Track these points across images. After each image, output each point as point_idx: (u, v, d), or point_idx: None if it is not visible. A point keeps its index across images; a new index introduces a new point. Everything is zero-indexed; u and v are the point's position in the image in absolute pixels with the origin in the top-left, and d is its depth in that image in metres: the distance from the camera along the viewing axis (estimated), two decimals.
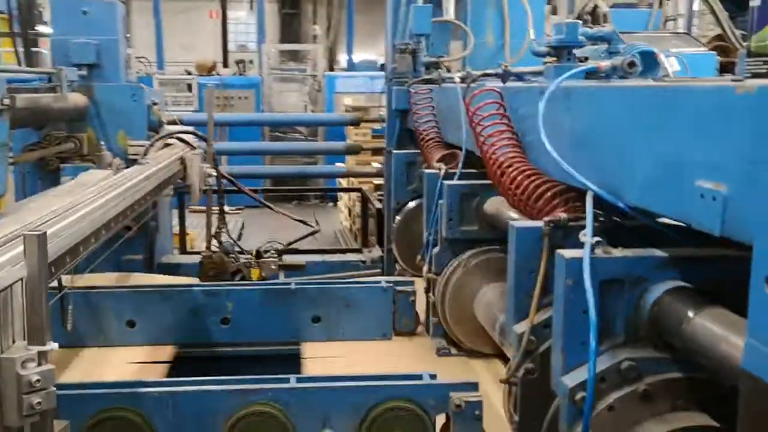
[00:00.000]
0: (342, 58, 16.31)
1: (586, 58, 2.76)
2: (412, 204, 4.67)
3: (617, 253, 1.91)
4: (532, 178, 2.49)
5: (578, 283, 1.89)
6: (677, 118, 1.65)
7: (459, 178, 3.42)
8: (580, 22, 2.67)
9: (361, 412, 2.50)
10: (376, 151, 6.83)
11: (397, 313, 3.67)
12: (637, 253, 1.91)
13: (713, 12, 4.95)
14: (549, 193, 2.39)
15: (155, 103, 4.69)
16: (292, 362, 3.40)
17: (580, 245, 1.94)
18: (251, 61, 12.25)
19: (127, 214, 2.92)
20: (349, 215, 8.58)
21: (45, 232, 1.59)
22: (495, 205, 3.28)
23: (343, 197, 9.30)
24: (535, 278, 2.28)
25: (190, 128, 4.57)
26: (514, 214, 3.10)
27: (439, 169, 3.60)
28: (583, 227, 2.23)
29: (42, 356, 1.61)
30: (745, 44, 4.68)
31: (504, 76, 3.01)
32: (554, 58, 2.68)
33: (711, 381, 1.89)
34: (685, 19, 11.47)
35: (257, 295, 3.55)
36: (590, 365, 1.78)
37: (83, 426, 2.33)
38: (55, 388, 1.62)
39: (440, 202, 3.41)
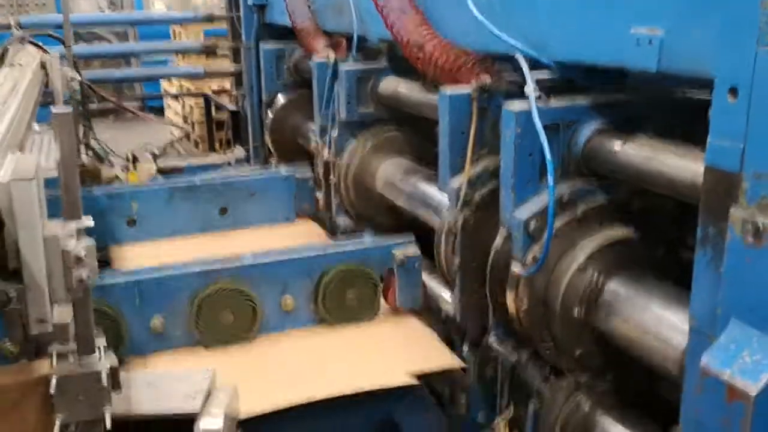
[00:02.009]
0: None
1: None
2: (281, 99, 4.77)
3: (554, 102, 2.26)
4: (451, 51, 2.75)
5: (525, 130, 2.23)
6: None
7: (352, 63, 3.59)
8: None
9: (315, 277, 2.72)
10: (210, 53, 6.66)
11: (297, 199, 3.84)
12: (568, 102, 2.27)
13: None
14: (470, 63, 2.68)
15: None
16: None
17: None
18: None
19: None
20: (185, 122, 8.36)
21: (71, 111, 1.60)
22: (389, 85, 3.52)
23: (172, 106, 8.99)
24: (466, 138, 2.59)
25: (46, 30, 4.24)
26: (407, 91, 3.38)
27: (327, 57, 3.74)
28: (504, 91, 2.58)
29: (80, 232, 1.65)
30: None
31: None
32: None
33: (627, 202, 2.35)
34: None
35: (162, 193, 3.55)
36: (550, 194, 2.13)
37: None
38: (96, 262, 1.67)
39: (337, 87, 3.58)
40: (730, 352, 1.56)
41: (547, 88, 2.29)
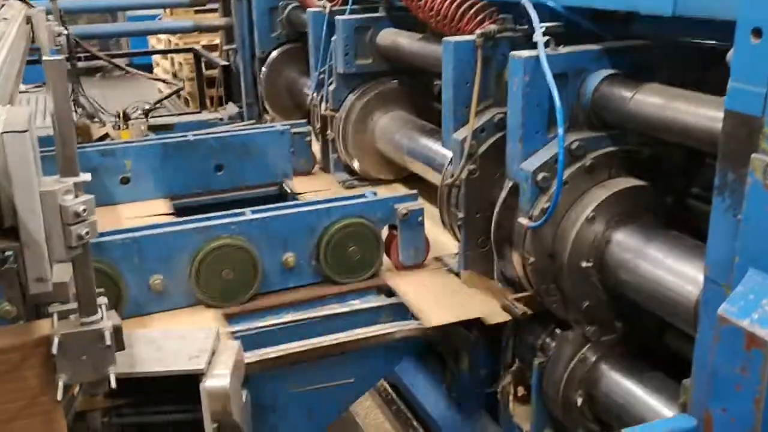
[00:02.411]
0: None
1: None
2: (275, 53, 4.65)
3: (563, 49, 2.18)
4: None
5: (533, 79, 2.16)
6: None
7: (349, 14, 3.49)
8: None
9: (317, 233, 2.67)
10: (199, 6, 6.49)
11: (294, 155, 3.77)
12: (578, 48, 2.20)
13: None
14: (472, 11, 2.59)
15: None
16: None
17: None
18: None
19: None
20: (174, 79, 8.19)
21: (64, 58, 1.52)
22: (388, 36, 3.43)
23: (161, 64, 8.81)
24: (470, 89, 2.51)
25: None
26: (407, 42, 3.29)
27: (323, 8, 3.63)
28: (509, 38, 2.50)
29: (78, 187, 1.59)
30: None
31: None
32: None
33: (636, 151, 2.30)
34: None
35: (156, 150, 3.46)
36: (560, 144, 2.07)
37: None
38: (96, 219, 1.61)
39: (333, 38, 3.48)
40: (750, 302, 1.53)
41: (554, 37, 2.22)
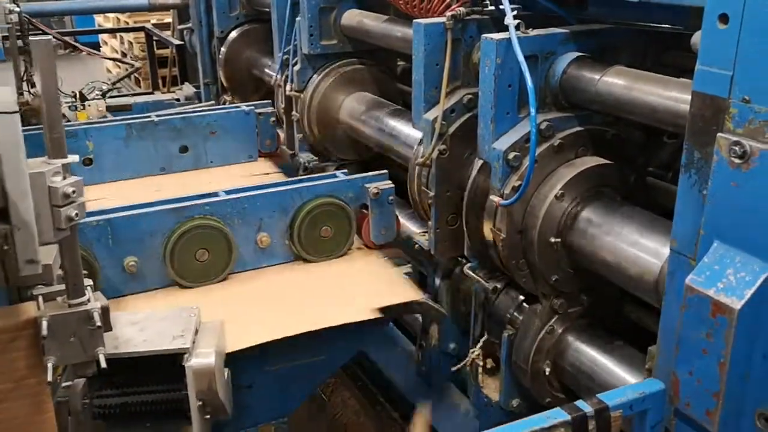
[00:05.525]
0: None
1: None
2: (234, 33, 4.61)
3: (532, 32, 2.25)
4: None
5: (505, 61, 2.22)
6: None
7: None
8: None
9: (290, 213, 2.70)
10: None
11: (259, 135, 3.77)
12: (547, 31, 2.27)
13: None
14: None
15: None
16: None
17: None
18: None
19: None
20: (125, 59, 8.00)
21: (50, 38, 1.51)
22: (353, 17, 3.44)
23: (109, 43, 8.59)
24: (441, 70, 2.57)
25: None
26: (373, 23, 3.32)
27: None
28: (476, 20, 2.56)
29: (65, 169, 1.59)
30: None
31: None
32: None
33: (601, 131, 2.39)
34: None
35: (119, 130, 3.42)
36: (532, 123, 2.14)
37: None
38: (85, 200, 1.62)
39: (298, 19, 3.48)
40: (715, 272, 1.63)
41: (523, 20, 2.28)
